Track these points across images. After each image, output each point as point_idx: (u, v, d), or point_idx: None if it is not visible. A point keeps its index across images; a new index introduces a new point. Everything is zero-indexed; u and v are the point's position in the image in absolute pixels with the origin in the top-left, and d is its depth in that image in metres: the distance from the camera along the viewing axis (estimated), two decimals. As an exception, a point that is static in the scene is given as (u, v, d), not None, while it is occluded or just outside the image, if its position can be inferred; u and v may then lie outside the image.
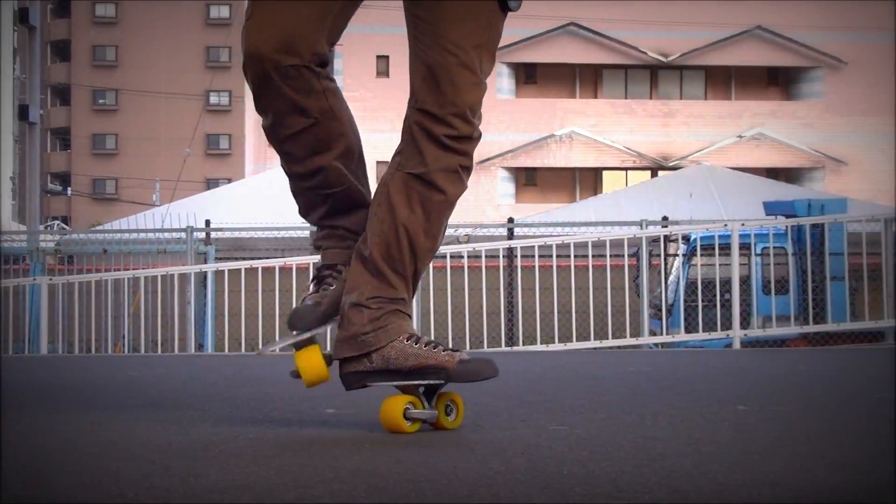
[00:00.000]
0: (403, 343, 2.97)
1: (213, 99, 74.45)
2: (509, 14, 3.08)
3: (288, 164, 3.13)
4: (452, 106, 3.01)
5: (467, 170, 3.08)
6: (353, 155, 3.14)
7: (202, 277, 15.04)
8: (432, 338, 3.15)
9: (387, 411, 2.95)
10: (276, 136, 3.08)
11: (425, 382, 2.98)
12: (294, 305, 3.14)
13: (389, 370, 2.97)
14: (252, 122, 56.75)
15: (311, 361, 3.00)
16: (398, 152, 3.07)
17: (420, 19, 3.05)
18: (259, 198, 24.33)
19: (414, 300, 3.15)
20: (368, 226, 3.05)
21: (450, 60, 3.00)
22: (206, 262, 15.95)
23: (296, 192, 3.18)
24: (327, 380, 3.02)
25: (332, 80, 3.07)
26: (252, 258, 14.79)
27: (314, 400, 3.56)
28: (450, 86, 3.00)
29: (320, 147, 3.08)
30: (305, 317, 3.02)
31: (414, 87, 3.05)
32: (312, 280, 3.11)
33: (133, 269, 14.98)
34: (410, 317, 3.05)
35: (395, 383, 2.99)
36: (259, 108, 3.04)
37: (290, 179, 3.16)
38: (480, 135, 3.09)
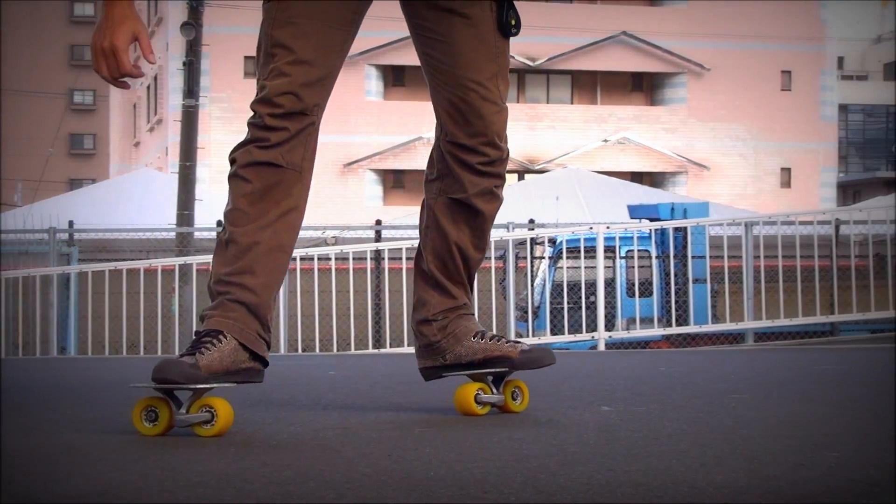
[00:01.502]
0: (471, 340, 3.34)
1: (77, 98, 73.31)
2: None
3: (236, 196, 3.14)
4: (482, 136, 3.31)
5: (500, 186, 3.40)
6: (296, 221, 3.20)
7: (65, 279, 14.80)
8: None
9: (460, 397, 3.31)
10: (246, 155, 3.15)
11: (492, 371, 3.32)
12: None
13: (461, 364, 3.35)
14: (117, 121, 55.98)
15: (230, 412, 2.95)
16: (438, 178, 3.38)
17: (434, 59, 3.33)
18: (123, 199, 24.00)
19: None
20: (422, 245, 3.42)
21: (472, 96, 3.29)
22: (69, 264, 15.70)
23: (223, 243, 3.15)
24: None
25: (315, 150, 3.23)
26: (116, 260, 14.60)
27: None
28: (476, 118, 3.30)
29: (272, 192, 3.13)
30: (171, 370, 2.90)
31: (441, 121, 3.37)
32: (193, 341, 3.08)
33: (-7, 270, 14.67)
34: (473, 314, 3.43)
35: (465, 373, 3.35)
36: (266, 133, 3.14)
37: (228, 220, 3.16)
38: (509, 153, 3.39)
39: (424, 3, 3.30)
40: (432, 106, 3.39)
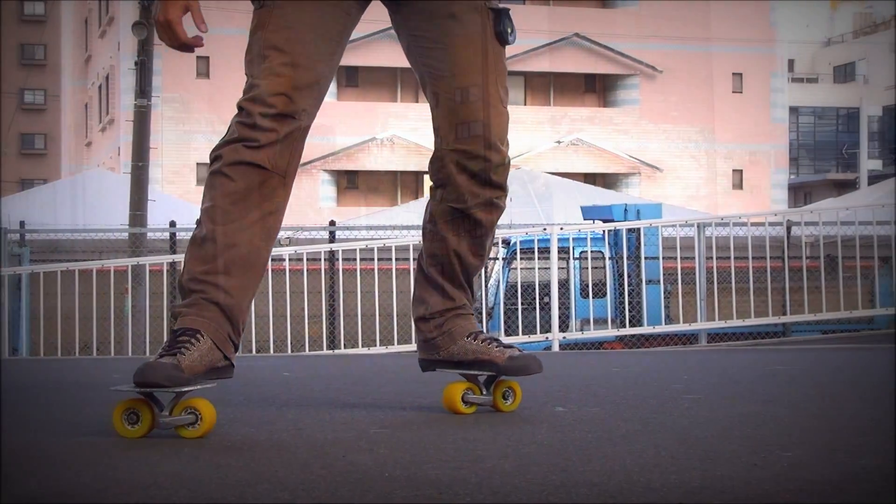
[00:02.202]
0: (465, 340, 3.42)
1: (28, 97, 72.80)
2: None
3: (218, 194, 3.11)
4: (483, 140, 3.36)
5: (501, 197, 3.44)
6: (275, 225, 3.20)
7: (16, 280, 14.69)
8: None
9: (448, 395, 3.41)
10: (233, 153, 3.11)
11: (479, 373, 3.41)
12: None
13: (453, 361, 3.43)
14: (68, 121, 55.60)
15: (213, 413, 2.93)
16: (440, 185, 3.42)
17: (433, 67, 3.35)
18: (76, 199, 23.84)
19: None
20: (424, 247, 3.48)
21: (472, 100, 3.33)
22: (20, 265, 15.59)
23: (199, 240, 3.11)
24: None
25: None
26: (68, 260, 14.50)
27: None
28: (476, 122, 3.35)
29: (254, 194, 3.11)
30: (154, 374, 2.87)
31: (442, 130, 3.39)
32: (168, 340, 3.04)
33: (-57, 271, 14.53)
34: (472, 314, 3.50)
35: (457, 371, 3.44)
36: (253, 132, 3.11)
37: (208, 217, 3.12)
38: (510, 161, 3.47)
39: (418, 11, 3.31)
40: (432, 118, 3.41)
